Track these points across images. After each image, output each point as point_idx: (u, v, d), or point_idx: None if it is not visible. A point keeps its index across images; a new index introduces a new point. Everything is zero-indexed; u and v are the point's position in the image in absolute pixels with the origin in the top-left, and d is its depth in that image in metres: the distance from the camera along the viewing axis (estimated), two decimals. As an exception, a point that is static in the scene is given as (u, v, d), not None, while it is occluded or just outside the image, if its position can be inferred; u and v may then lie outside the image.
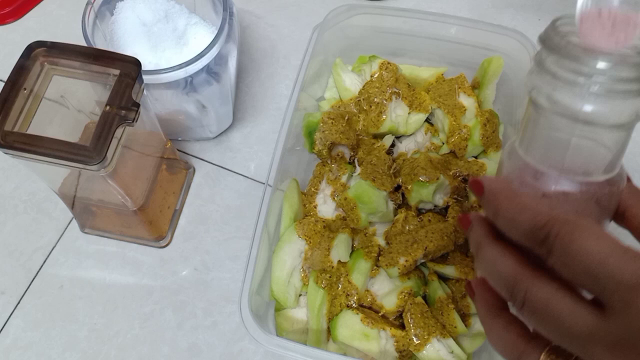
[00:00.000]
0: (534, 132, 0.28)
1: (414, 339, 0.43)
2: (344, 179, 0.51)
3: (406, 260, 0.45)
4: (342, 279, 0.46)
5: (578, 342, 0.24)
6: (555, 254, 0.24)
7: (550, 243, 0.24)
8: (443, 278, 0.48)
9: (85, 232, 0.52)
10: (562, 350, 0.25)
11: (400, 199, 0.50)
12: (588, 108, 0.25)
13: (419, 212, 0.50)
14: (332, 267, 0.46)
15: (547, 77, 0.26)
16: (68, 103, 0.43)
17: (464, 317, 0.46)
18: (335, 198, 0.50)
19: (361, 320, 0.44)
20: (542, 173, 0.28)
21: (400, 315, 0.46)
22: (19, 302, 0.50)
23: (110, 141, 0.36)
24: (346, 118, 0.52)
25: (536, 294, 0.25)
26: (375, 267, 0.47)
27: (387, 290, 0.46)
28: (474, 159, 0.52)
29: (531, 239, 0.25)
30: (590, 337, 0.23)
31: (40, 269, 0.51)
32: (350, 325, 0.44)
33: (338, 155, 0.52)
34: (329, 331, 0.45)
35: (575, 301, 0.24)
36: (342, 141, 0.51)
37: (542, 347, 0.26)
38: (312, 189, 0.51)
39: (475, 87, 0.56)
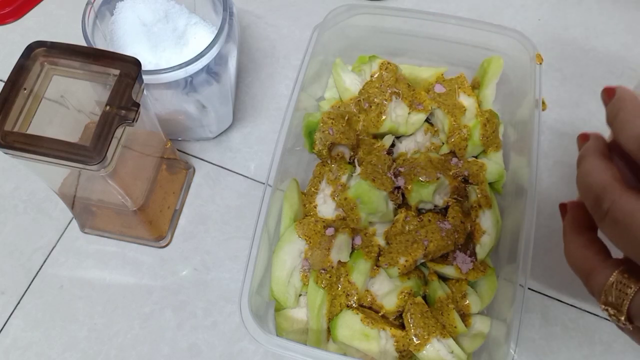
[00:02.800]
0: None
1: (414, 339, 0.43)
2: (344, 179, 0.51)
3: (406, 260, 0.45)
4: (342, 279, 0.46)
5: None
6: None
7: None
8: (443, 278, 0.48)
9: (85, 232, 0.52)
10: (635, 271, 0.26)
11: (400, 199, 0.50)
12: None
13: (419, 212, 0.50)
14: (332, 267, 0.46)
15: None
16: (68, 103, 0.43)
17: (464, 317, 0.46)
18: (335, 198, 0.50)
19: (361, 320, 0.44)
20: None
21: (400, 315, 0.46)
22: (19, 302, 0.50)
23: (110, 141, 0.36)
24: (346, 118, 0.52)
25: (622, 205, 0.25)
26: (375, 267, 0.47)
27: (387, 290, 0.46)
28: (474, 159, 0.52)
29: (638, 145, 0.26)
30: None
31: (40, 269, 0.51)
32: (350, 325, 0.44)
33: (338, 155, 0.52)
34: (329, 331, 0.45)
35: None
36: (342, 141, 0.51)
37: (616, 267, 0.26)
38: (312, 189, 0.51)
39: (475, 87, 0.56)
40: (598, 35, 0.64)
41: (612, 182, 0.26)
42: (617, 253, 0.30)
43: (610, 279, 0.27)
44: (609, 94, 0.29)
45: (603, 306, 0.27)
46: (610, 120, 0.28)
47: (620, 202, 0.26)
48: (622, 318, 0.27)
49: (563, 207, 0.32)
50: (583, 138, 0.31)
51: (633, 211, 0.25)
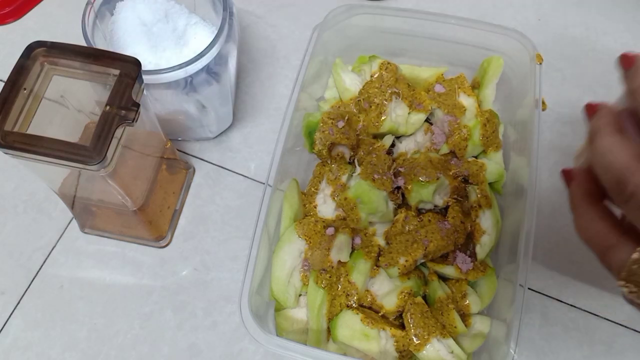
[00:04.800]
0: None
1: (414, 339, 0.43)
2: (344, 179, 0.51)
3: (406, 260, 0.45)
4: (342, 279, 0.46)
5: None
6: None
7: None
8: (443, 278, 0.48)
9: (85, 232, 0.52)
10: None
11: (400, 199, 0.50)
12: None
13: (419, 212, 0.50)
14: (332, 267, 0.46)
15: None
16: (68, 103, 0.43)
17: (464, 317, 0.46)
18: (335, 198, 0.50)
19: (361, 320, 0.44)
20: None
21: (400, 315, 0.46)
22: (19, 302, 0.50)
23: (110, 141, 0.36)
24: (346, 118, 0.52)
25: None
26: (375, 267, 0.47)
27: (387, 290, 0.46)
28: (474, 159, 0.52)
29: None
30: None
31: (40, 269, 0.51)
32: (350, 325, 0.44)
33: (338, 155, 0.52)
34: (329, 331, 0.45)
35: None
36: (342, 141, 0.51)
37: (636, 244, 0.25)
38: (312, 189, 0.51)
39: (475, 87, 0.56)
40: (598, 35, 0.64)
41: (634, 162, 0.25)
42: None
43: (634, 255, 0.25)
44: (627, 62, 0.27)
45: (623, 282, 0.26)
46: (629, 88, 0.26)
47: None
48: None
49: (567, 174, 0.30)
50: (591, 109, 0.29)
51: None
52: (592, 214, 0.27)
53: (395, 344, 0.44)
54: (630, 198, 0.24)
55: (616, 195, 0.25)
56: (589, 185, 0.28)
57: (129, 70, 0.38)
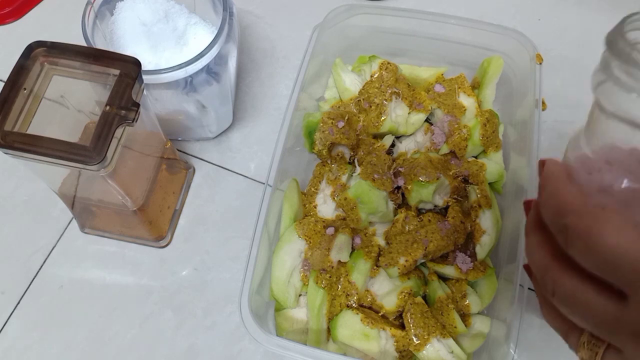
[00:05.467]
0: (595, 128, 0.28)
1: (414, 339, 0.43)
2: (344, 179, 0.51)
3: (406, 260, 0.45)
4: (342, 279, 0.46)
5: (605, 329, 0.25)
6: (572, 245, 0.24)
7: (567, 234, 0.24)
8: (443, 278, 0.48)
9: (85, 232, 0.52)
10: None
11: (400, 199, 0.50)
12: None
13: (419, 212, 0.50)
14: (332, 267, 0.46)
15: (610, 79, 0.26)
16: (68, 103, 0.43)
17: (464, 317, 0.46)
18: (335, 198, 0.50)
19: (361, 320, 0.44)
20: (599, 168, 0.27)
21: (400, 315, 0.46)
22: (18, 303, 0.50)
23: (110, 141, 0.36)
24: (346, 118, 0.52)
25: (563, 285, 0.25)
26: (375, 267, 0.47)
27: (387, 290, 0.46)
28: (474, 159, 0.52)
29: (554, 227, 0.26)
30: (614, 324, 0.24)
31: (40, 269, 0.51)
32: (350, 325, 0.44)
33: (338, 155, 0.52)
34: (329, 331, 0.45)
35: (598, 291, 0.24)
36: (342, 141, 0.51)
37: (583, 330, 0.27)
38: (312, 189, 0.51)
39: (475, 87, 0.56)
40: (598, 36, 0.64)
41: (550, 262, 0.26)
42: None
43: (581, 339, 0.27)
44: (541, 167, 0.29)
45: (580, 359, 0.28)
46: (538, 198, 0.28)
47: (559, 283, 0.26)
48: None
49: (528, 270, 0.32)
50: (526, 207, 0.31)
51: (573, 291, 0.25)
52: (552, 307, 0.29)
53: (395, 344, 0.44)
54: (554, 293, 0.26)
55: (545, 292, 0.27)
56: (547, 303, 0.30)
57: (129, 70, 0.38)
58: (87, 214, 0.51)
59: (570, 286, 0.25)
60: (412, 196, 0.49)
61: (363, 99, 0.54)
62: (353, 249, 0.48)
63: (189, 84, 0.47)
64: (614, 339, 0.25)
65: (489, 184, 0.51)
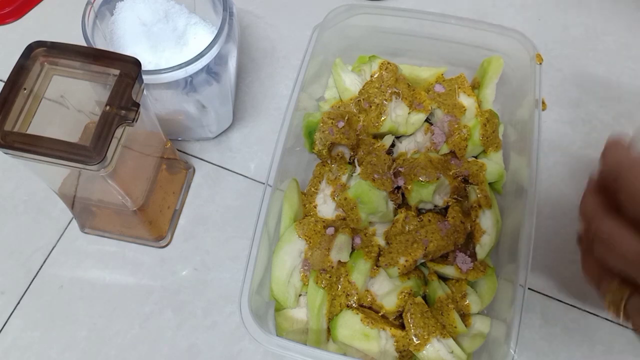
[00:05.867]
0: None
1: (414, 339, 0.43)
2: (344, 179, 0.51)
3: (406, 260, 0.45)
4: (342, 279, 0.46)
5: (629, 265, 0.30)
6: (621, 189, 0.30)
7: (619, 181, 0.30)
8: (443, 278, 0.48)
9: (85, 232, 0.52)
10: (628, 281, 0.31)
11: (400, 199, 0.50)
12: None
13: (419, 212, 0.50)
14: (332, 267, 0.46)
15: None
16: (68, 103, 0.43)
17: (464, 317, 0.46)
18: (335, 198, 0.50)
19: (361, 320, 0.44)
20: None
21: (400, 315, 0.46)
22: (18, 302, 0.50)
23: (110, 141, 0.36)
24: (346, 118, 0.52)
25: (604, 228, 0.31)
26: (375, 267, 0.47)
27: (387, 290, 0.46)
28: (474, 159, 0.52)
29: (611, 176, 0.31)
30: (638, 261, 0.29)
31: (40, 269, 0.51)
32: (350, 325, 0.44)
33: (338, 155, 0.52)
34: (329, 331, 0.45)
35: (632, 233, 0.30)
36: (342, 141, 0.51)
37: (616, 276, 0.32)
38: (312, 189, 0.51)
39: (475, 87, 0.56)
40: (598, 35, 0.64)
41: (598, 209, 0.32)
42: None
43: (611, 284, 0.32)
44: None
45: (607, 306, 0.33)
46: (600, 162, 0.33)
47: (602, 225, 0.31)
48: (621, 315, 0.32)
49: (579, 238, 0.37)
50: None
51: (611, 231, 0.30)
52: (590, 261, 0.34)
53: (395, 344, 0.44)
54: (594, 236, 0.32)
55: (589, 236, 0.33)
56: (588, 243, 0.35)
57: (129, 70, 0.38)
58: (87, 214, 0.51)
59: (610, 227, 0.31)
60: (412, 196, 0.49)
61: (363, 99, 0.54)
62: (353, 249, 0.48)
63: (189, 84, 0.47)
64: (637, 276, 0.30)
65: (489, 184, 0.51)
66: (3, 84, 0.38)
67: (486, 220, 0.48)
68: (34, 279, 0.51)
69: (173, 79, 0.45)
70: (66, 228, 0.53)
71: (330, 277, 0.46)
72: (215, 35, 0.46)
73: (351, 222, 0.49)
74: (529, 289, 0.44)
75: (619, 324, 0.48)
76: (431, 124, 0.55)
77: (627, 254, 0.30)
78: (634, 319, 0.32)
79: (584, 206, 0.34)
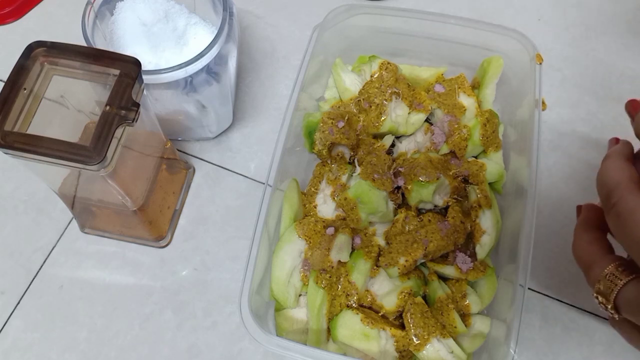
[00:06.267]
0: None
1: (414, 339, 0.43)
2: (344, 179, 0.51)
3: (406, 260, 0.45)
4: (342, 279, 0.46)
5: None
6: None
7: None
8: (443, 278, 0.48)
9: (85, 232, 0.52)
10: (630, 267, 0.29)
11: (400, 199, 0.50)
12: None
13: (419, 212, 0.50)
14: (332, 267, 0.46)
15: None
16: (68, 103, 0.43)
17: (464, 317, 0.46)
18: (335, 198, 0.50)
19: (361, 320, 0.44)
20: None
21: (400, 315, 0.46)
22: (18, 303, 0.50)
23: (110, 141, 0.36)
24: (346, 118, 0.52)
25: (627, 201, 0.28)
26: (375, 267, 0.47)
27: (387, 290, 0.46)
28: (474, 159, 0.52)
29: None
30: None
31: (40, 269, 0.51)
32: (350, 325, 0.44)
33: (338, 155, 0.52)
34: (329, 331, 0.45)
35: None
36: (342, 141, 0.51)
37: (613, 262, 0.29)
38: (312, 189, 0.51)
39: (475, 87, 0.56)
40: (598, 35, 0.64)
41: (625, 180, 0.29)
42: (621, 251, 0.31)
43: (605, 270, 0.30)
44: (634, 107, 0.32)
45: (595, 294, 0.30)
46: (637, 126, 0.31)
47: (626, 198, 0.28)
48: (609, 307, 0.30)
49: (579, 208, 0.36)
50: (614, 141, 0.34)
51: (635, 208, 0.27)
52: (586, 237, 0.32)
53: (395, 344, 0.44)
54: (612, 208, 0.29)
55: (604, 206, 0.30)
56: (590, 216, 0.33)
57: (129, 70, 0.38)
58: (87, 214, 0.51)
59: (634, 203, 0.28)
60: (412, 196, 0.49)
61: (363, 99, 0.54)
62: (353, 249, 0.48)
63: (189, 84, 0.47)
64: None
65: (489, 184, 0.51)
66: (3, 84, 0.38)
67: (486, 220, 0.48)
68: (34, 279, 0.51)
69: (173, 79, 0.45)
70: (66, 228, 0.53)
71: (330, 277, 0.46)
72: (215, 35, 0.46)
73: (351, 222, 0.49)
74: (529, 289, 0.44)
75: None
76: (431, 124, 0.55)
77: None
78: (625, 310, 0.29)
79: (606, 172, 0.30)
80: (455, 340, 0.44)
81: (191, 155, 0.57)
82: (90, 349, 0.48)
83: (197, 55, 0.45)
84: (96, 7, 0.48)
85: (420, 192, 0.48)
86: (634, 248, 0.28)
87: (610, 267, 0.29)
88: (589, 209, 0.34)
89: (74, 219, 0.53)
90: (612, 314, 0.30)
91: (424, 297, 0.47)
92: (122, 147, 0.38)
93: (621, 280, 0.29)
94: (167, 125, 0.51)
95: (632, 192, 0.28)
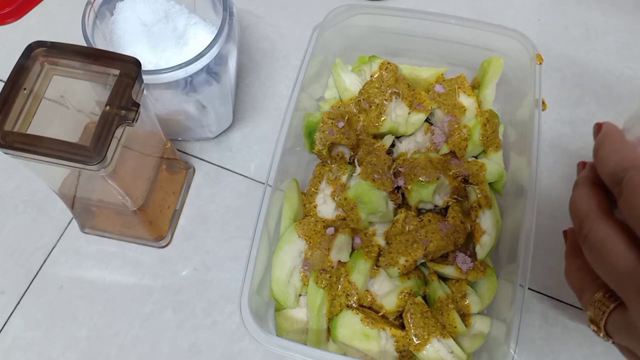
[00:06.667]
0: None
1: (414, 339, 0.43)
2: (344, 179, 0.51)
3: (406, 260, 0.45)
4: (342, 279, 0.46)
5: (616, 278, 0.27)
6: (623, 196, 0.27)
7: (622, 185, 0.27)
8: (443, 278, 0.48)
9: (85, 232, 0.52)
10: (614, 295, 0.28)
11: (400, 199, 0.50)
12: None
13: (419, 212, 0.50)
14: (332, 267, 0.46)
15: None
16: (68, 103, 0.43)
17: (464, 317, 0.46)
18: (335, 198, 0.50)
19: (361, 320, 0.44)
20: None
21: (400, 315, 0.46)
22: (19, 302, 0.50)
23: (110, 141, 0.36)
24: (346, 118, 0.52)
25: (596, 232, 0.28)
26: (375, 267, 0.47)
27: (387, 290, 0.46)
28: (474, 159, 0.52)
29: (611, 180, 0.28)
30: (626, 276, 0.26)
31: (40, 269, 0.51)
32: (350, 325, 0.44)
33: (338, 155, 0.52)
34: (329, 331, 0.45)
35: (627, 244, 0.27)
36: (342, 141, 0.51)
37: (601, 288, 0.29)
38: (312, 189, 0.51)
39: (475, 87, 0.56)
40: (598, 35, 0.64)
41: (593, 209, 0.29)
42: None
43: (594, 297, 0.29)
44: (598, 129, 0.32)
45: (588, 321, 0.30)
46: (594, 155, 0.30)
47: (595, 229, 0.28)
48: (602, 334, 0.30)
49: (565, 233, 0.36)
50: (581, 166, 0.33)
51: (604, 238, 0.28)
52: (575, 264, 0.32)
53: (395, 344, 0.44)
54: (585, 239, 0.29)
55: (578, 238, 0.30)
56: (576, 241, 0.32)
57: (129, 70, 0.38)
58: (87, 214, 0.51)
59: (603, 234, 0.28)
60: (412, 196, 0.49)
61: (363, 99, 0.54)
62: (353, 249, 0.48)
63: (189, 84, 0.47)
64: (621, 289, 0.27)
65: (489, 184, 0.51)
66: (3, 84, 0.38)
67: (486, 220, 0.48)
68: (34, 278, 0.51)
69: (173, 79, 0.45)
70: (66, 228, 0.53)
71: (330, 277, 0.46)
72: (215, 35, 0.46)
73: (351, 222, 0.49)
74: (529, 289, 0.44)
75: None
76: (431, 124, 0.55)
77: (616, 266, 0.27)
78: (615, 337, 0.29)
79: (576, 203, 0.31)
80: (455, 340, 0.44)
81: (191, 155, 0.57)
82: (90, 348, 0.48)
83: (197, 55, 0.45)
84: (96, 7, 0.48)
85: (420, 192, 0.48)
86: (609, 278, 0.28)
87: (598, 294, 0.29)
88: (573, 234, 0.34)
89: (74, 219, 0.53)
90: (605, 340, 0.30)
91: (424, 297, 0.47)
92: (122, 147, 0.38)
93: (608, 307, 0.29)
94: (167, 125, 0.51)
95: (600, 222, 0.28)
